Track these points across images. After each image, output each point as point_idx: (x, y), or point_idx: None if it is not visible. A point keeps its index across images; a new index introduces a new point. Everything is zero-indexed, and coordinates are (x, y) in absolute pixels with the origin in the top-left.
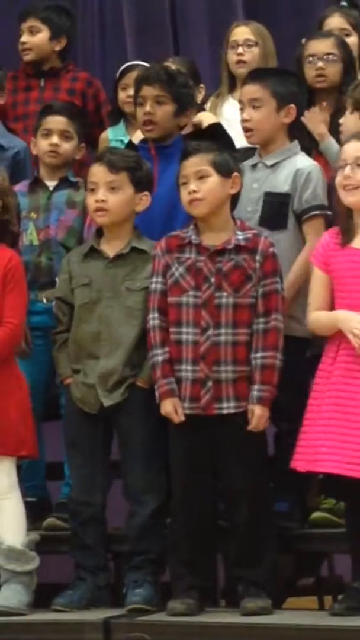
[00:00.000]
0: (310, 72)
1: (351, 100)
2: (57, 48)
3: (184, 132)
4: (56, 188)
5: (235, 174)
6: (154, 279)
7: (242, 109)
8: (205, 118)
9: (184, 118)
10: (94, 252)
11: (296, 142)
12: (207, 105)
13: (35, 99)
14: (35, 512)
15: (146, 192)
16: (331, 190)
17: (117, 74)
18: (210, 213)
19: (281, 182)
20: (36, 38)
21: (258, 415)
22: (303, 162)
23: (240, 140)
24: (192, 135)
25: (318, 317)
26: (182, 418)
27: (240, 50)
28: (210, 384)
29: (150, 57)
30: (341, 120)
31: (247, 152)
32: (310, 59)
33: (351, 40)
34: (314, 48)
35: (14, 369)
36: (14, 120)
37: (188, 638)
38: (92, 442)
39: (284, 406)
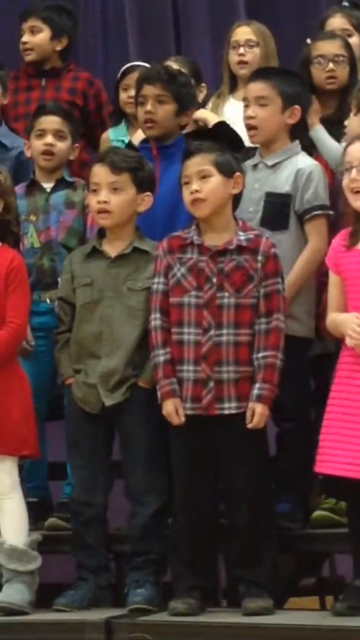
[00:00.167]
0: (319, 74)
1: (356, 101)
2: (58, 48)
3: (185, 131)
4: (53, 189)
5: (238, 174)
6: (156, 280)
7: (246, 106)
8: (210, 118)
9: (185, 117)
10: (96, 252)
11: (297, 142)
12: (209, 106)
13: (36, 99)
14: (36, 512)
15: (148, 193)
16: (332, 190)
17: (119, 75)
18: (212, 213)
19: (282, 182)
20: (37, 38)
21: (259, 413)
22: (304, 162)
23: None
24: (194, 134)
25: (330, 319)
26: (182, 419)
27: (241, 50)
28: (211, 384)
29: (152, 57)
30: (346, 122)
31: (248, 152)
32: (320, 60)
33: (353, 40)
34: (322, 49)
35: (16, 368)
36: (14, 120)
37: (189, 638)
38: (94, 443)
39: (285, 406)
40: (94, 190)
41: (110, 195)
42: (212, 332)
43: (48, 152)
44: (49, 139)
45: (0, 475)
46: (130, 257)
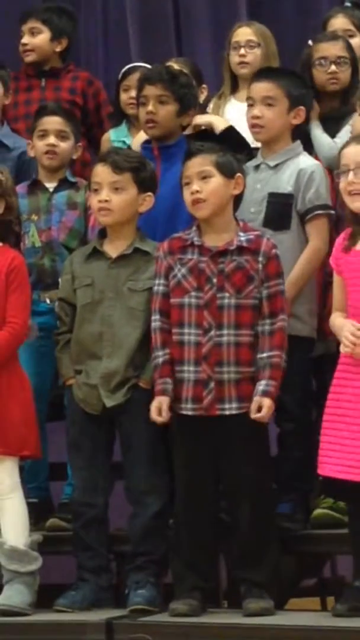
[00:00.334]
0: (321, 75)
1: None
2: (58, 49)
3: (186, 132)
4: (56, 189)
5: (239, 174)
6: (157, 281)
7: (251, 105)
8: (217, 122)
9: (187, 118)
10: (96, 253)
11: (298, 142)
12: (210, 107)
13: (36, 99)
14: (37, 513)
15: (149, 193)
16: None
17: (119, 76)
18: (213, 214)
19: (284, 182)
20: (37, 39)
21: (267, 406)
22: (306, 162)
23: None
24: (196, 135)
25: (331, 319)
26: (165, 418)
27: (242, 51)
28: (212, 384)
29: (153, 59)
30: (350, 122)
31: (252, 153)
32: (322, 61)
33: (355, 41)
34: (324, 51)
35: (17, 369)
36: (14, 120)
37: (190, 639)
38: (94, 443)
39: (286, 407)
40: (96, 190)
41: (111, 194)
42: (212, 332)
43: (51, 152)
44: (52, 139)
45: (1, 476)
46: (131, 257)
